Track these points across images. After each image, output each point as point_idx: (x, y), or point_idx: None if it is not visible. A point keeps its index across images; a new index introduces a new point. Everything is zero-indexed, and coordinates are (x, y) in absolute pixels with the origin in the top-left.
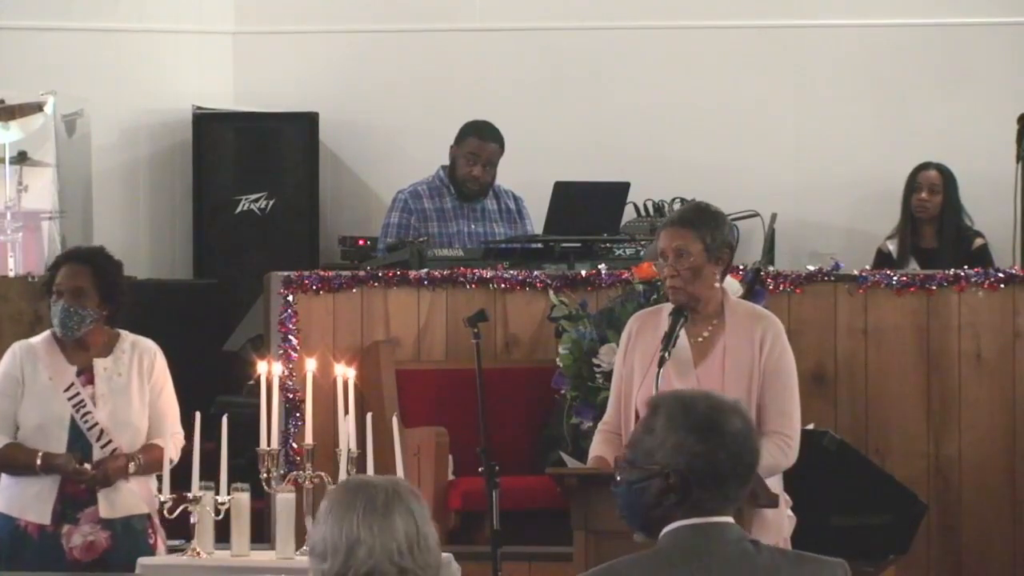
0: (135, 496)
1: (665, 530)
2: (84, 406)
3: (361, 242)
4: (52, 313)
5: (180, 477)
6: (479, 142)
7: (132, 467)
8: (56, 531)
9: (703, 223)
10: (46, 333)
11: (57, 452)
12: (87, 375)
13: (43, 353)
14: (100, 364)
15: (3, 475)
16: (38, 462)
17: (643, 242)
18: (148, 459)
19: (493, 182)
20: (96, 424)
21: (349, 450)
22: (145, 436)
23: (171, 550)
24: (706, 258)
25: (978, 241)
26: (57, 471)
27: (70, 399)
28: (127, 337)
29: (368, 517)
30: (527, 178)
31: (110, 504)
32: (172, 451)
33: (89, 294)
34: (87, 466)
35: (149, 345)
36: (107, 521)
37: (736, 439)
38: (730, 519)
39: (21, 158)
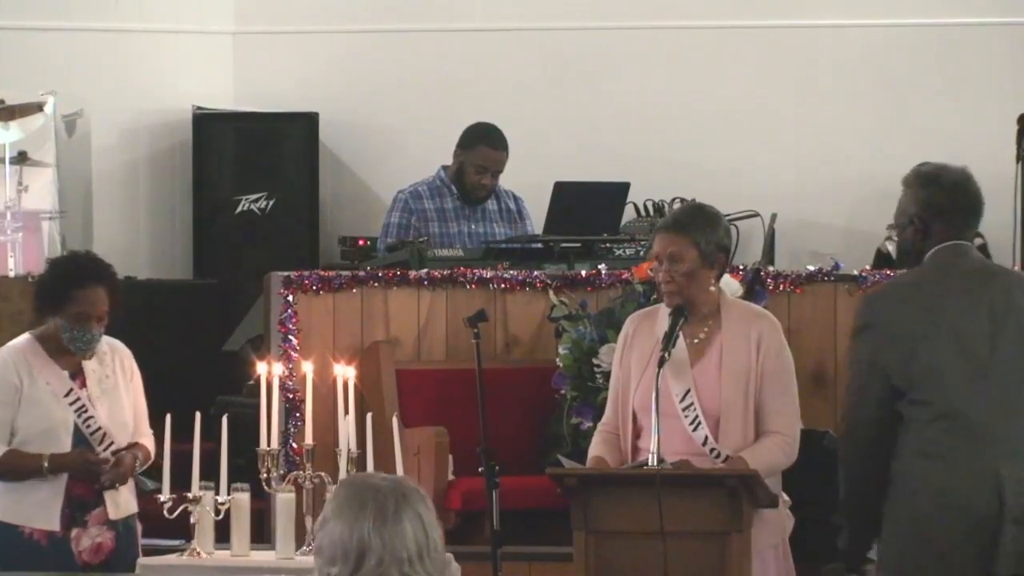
0: (132, 495)
1: (926, 257)
2: (86, 411)
3: (361, 242)
4: (75, 336)
5: (180, 477)
6: (491, 152)
7: (137, 464)
8: (65, 535)
9: (696, 227)
10: (27, 338)
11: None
12: (80, 379)
13: (34, 359)
14: (89, 367)
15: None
16: (45, 464)
17: (643, 242)
18: (143, 457)
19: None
20: (99, 428)
21: (349, 450)
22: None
23: (171, 550)
24: (700, 262)
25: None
26: (68, 469)
27: (71, 404)
28: (103, 339)
29: (379, 524)
30: (527, 178)
31: (115, 505)
32: (153, 450)
33: (108, 314)
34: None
35: (123, 346)
36: (112, 522)
37: (952, 183)
38: (969, 243)
39: (21, 158)
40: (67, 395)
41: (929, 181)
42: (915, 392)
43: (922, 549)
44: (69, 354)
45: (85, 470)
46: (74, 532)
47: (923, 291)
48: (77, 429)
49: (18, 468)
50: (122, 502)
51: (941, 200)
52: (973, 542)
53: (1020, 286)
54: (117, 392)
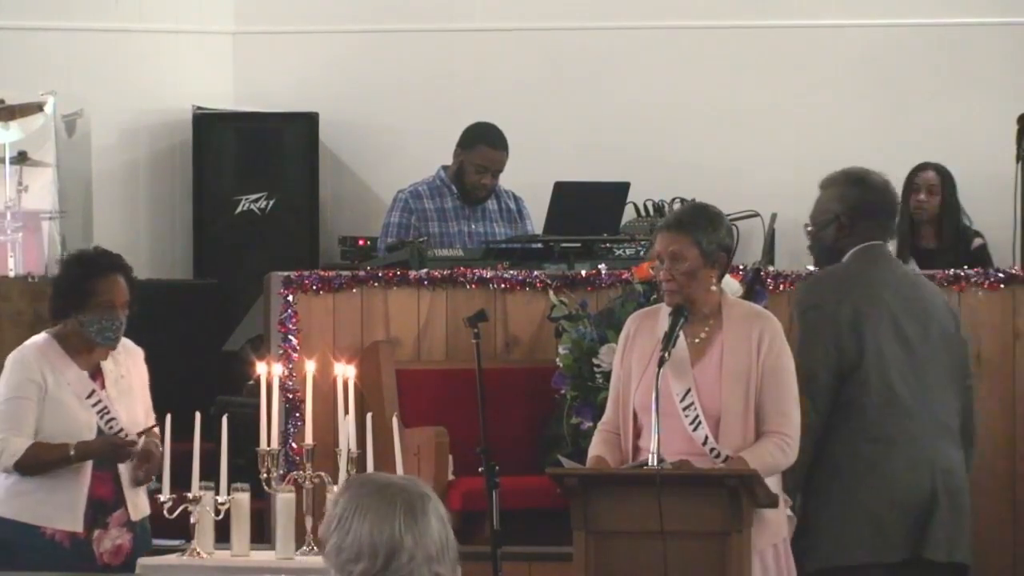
0: (145, 496)
1: (847, 255)
2: (108, 412)
3: (361, 242)
4: (104, 327)
5: (180, 477)
6: (491, 151)
7: (160, 452)
8: (87, 537)
9: (698, 226)
10: (46, 337)
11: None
12: (99, 380)
13: (55, 359)
14: (106, 368)
15: (18, 482)
16: (71, 453)
17: (643, 242)
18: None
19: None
20: (121, 428)
21: (349, 450)
22: None
23: (171, 550)
24: (702, 262)
25: (977, 241)
26: (94, 455)
27: (93, 405)
28: None
29: (410, 522)
30: (527, 178)
31: (134, 506)
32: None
33: (128, 304)
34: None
35: (134, 346)
36: (131, 523)
37: (881, 186)
38: (887, 245)
39: (21, 158)
40: (89, 396)
41: (860, 181)
42: (861, 374)
43: (862, 526)
44: (86, 354)
45: (113, 452)
46: (96, 533)
47: (864, 280)
48: (99, 430)
49: (45, 459)
50: (139, 503)
51: (872, 200)
52: (905, 524)
53: (939, 299)
54: (132, 393)
